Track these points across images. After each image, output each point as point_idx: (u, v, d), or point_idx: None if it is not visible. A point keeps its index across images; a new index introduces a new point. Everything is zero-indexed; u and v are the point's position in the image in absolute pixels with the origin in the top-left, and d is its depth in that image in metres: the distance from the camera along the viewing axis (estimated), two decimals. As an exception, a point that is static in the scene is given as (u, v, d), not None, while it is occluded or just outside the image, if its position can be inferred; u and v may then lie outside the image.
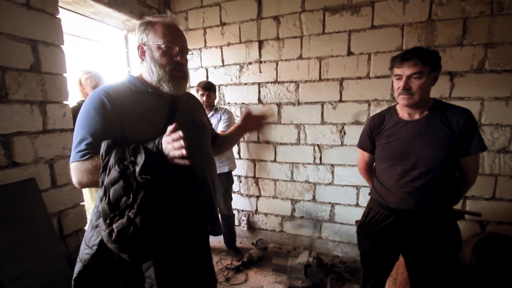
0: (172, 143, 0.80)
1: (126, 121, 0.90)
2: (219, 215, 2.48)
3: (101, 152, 0.81)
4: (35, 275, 1.36)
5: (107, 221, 0.77)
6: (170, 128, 0.80)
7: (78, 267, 0.91)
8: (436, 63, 1.18)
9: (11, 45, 1.41)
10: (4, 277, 1.25)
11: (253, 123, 1.28)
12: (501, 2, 1.81)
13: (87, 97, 0.94)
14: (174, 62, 0.97)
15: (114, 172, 0.78)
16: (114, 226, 0.76)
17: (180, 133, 0.78)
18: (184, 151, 0.78)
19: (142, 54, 1.00)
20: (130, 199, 0.77)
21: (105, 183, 0.80)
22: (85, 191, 2.41)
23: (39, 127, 1.54)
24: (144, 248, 0.80)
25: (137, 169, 0.78)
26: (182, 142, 0.78)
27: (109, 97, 0.90)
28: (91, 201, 2.45)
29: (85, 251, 0.90)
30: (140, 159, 0.79)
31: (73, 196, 1.72)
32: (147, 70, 0.99)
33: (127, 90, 0.96)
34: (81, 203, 1.78)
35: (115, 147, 0.82)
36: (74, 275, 0.91)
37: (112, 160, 0.79)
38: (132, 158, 0.79)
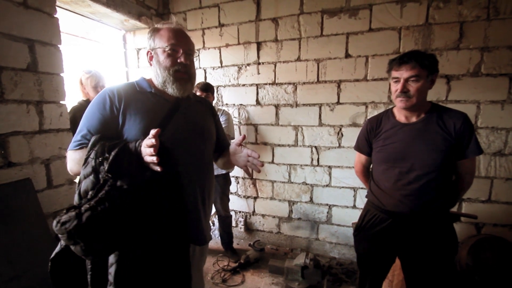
0: (145, 148, 0.80)
1: (124, 117, 0.95)
2: (217, 216, 2.51)
3: (88, 146, 0.86)
4: (31, 276, 1.35)
5: (64, 211, 0.79)
6: (152, 132, 0.79)
7: (57, 248, 0.94)
8: (433, 66, 1.19)
9: (8, 45, 1.40)
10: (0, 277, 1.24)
11: (241, 158, 1.07)
12: (497, 6, 1.83)
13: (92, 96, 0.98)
14: (178, 64, 1.01)
15: (89, 167, 0.83)
16: (63, 216, 0.76)
17: (152, 140, 0.77)
18: (154, 158, 0.78)
19: (150, 59, 1.06)
20: (93, 194, 0.79)
21: (80, 175, 0.84)
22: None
23: (35, 127, 1.53)
24: (87, 244, 0.78)
25: (106, 166, 0.80)
26: (152, 150, 0.78)
27: (112, 95, 0.97)
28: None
29: None
30: (111, 157, 0.80)
31: (69, 196, 1.70)
32: (154, 74, 1.05)
33: (132, 89, 1.02)
34: (77, 204, 1.76)
35: (101, 142, 0.85)
36: (52, 255, 0.93)
37: (92, 155, 0.83)
38: (107, 155, 0.82)
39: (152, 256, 0.93)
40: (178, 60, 1.01)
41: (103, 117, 0.94)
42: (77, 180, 1.77)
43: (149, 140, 0.78)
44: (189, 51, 1.05)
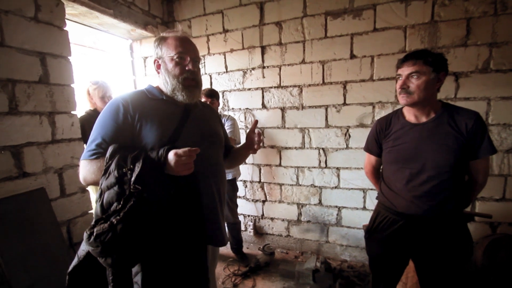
0: (181, 166, 0.84)
1: (138, 124, 0.95)
2: (226, 222, 2.51)
3: (106, 156, 0.85)
4: (46, 283, 1.38)
5: (92, 223, 0.79)
6: (187, 150, 0.84)
7: (74, 261, 0.93)
8: (439, 64, 1.17)
9: (21, 58, 1.44)
10: (17, 285, 1.27)
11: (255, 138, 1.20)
12: (505, 1, 1.80)
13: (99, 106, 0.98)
14: (186, 71, 1.03)
15: (111, 177, 0.81)
16: (95, 229, 0.77)
17: (189, 162, 0.85)
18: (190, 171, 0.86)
19: (158, 67, 1.07)
20: (120, 205, 0.79)
21: (102, 186, 0.83)
22: (91, 191, 2.41)
23: (48, 137, 1.57)
24: (120, 256, 0.79)
25: (133, 177, 0.80)
26: (187, 170, 0.86)
27: (125, 103, 0.97)
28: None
29: (82, 247, 0.92)
30: (137, 168, 0.81)
31: (81, 204, 1.74)
32: (162, 81, 1.06)
33: (143, 97, 1.03)
34: (90, 211, 1.80)
35: (120, 152, 0.85)
36: (69, 269, 0.93)
37: (113, 165, 0.82)
38: (131, 166, 0.82)
39: (174, 261, 0.94)
40: (186, 68, 1.03)
41: (118, 125, 0.93)
42: (89, 189, 1.82)
43: (185, 159, 0.83)
44: (196, 58, 1.07)
